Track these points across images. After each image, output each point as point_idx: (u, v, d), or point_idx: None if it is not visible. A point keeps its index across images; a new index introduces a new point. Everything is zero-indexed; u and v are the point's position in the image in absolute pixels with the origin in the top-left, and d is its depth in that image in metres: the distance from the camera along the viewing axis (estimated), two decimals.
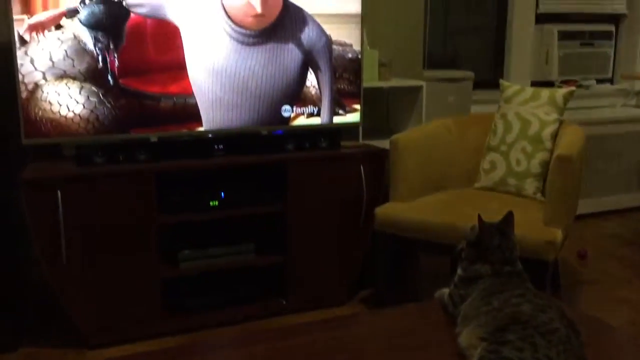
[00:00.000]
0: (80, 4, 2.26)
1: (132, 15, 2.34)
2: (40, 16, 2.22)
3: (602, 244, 3.53)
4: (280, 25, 2.54)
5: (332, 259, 2.71)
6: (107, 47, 2.31)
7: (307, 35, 2.60)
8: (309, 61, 2.62)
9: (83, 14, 2.27)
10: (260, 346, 1.46)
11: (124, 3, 2.32)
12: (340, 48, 2.69)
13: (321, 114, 2.71)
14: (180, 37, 2.42)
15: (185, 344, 2.25)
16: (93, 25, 2.28)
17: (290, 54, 2.58)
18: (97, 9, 2.28)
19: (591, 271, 3.14)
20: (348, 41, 2.70)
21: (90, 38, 2.28)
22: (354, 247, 2.74)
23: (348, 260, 2.75)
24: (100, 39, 2.29)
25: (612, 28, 4.37)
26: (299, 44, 2.59)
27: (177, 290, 2.58)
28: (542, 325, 1.26)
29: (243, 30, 2.47)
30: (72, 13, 2.26)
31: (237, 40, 2.47)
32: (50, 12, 2.23)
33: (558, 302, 1.41)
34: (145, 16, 2.36)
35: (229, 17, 2.45)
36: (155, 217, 2.38)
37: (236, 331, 2.50)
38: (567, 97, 2.70)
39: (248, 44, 2.50)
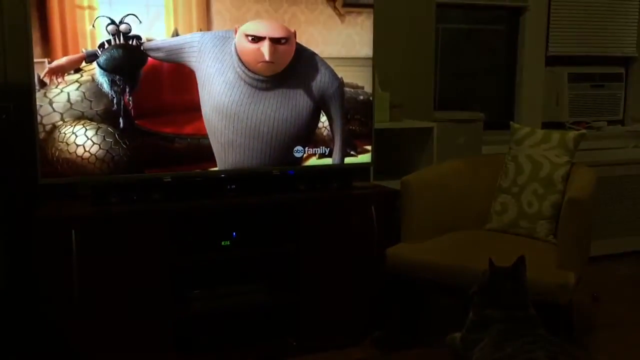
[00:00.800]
0: (99, 48, 2.33)
1: (149, 59, 2.39)
2: (60, 60, 2.28)
3: (616, 286, 3.49)
4: (292, 71, 2.59)
5: (344, 299, 2.70)
6: (124, 90, 2.36)
7: (319, 80, 2.64)
8: (321, 105, 2.66)
9: (102, 57, 2.33)
10: None
11: (142, 47, 2.38)
12: (352, 90, 2.74)
13: (333, 155, 2.73)
14: (196, 79, 2.47)
15: None
16: (111, 69, 2.34)
17: (302, 98, 2.62)
18: (116, 53, 2.34)
19: (605, 315, 3.09)
20: (360, 83, 2.75)
21: (107, 81, 2.34)
22: (366, 287, 2.73)
23: (360, 301, 2.73)
24: (118, 82, 2.35)
25: (622, 70, 4.40)
26: (311, 89, 2.63)
27: (189, 330, 2.57)
28: None
29: (255, 76, 2.52)
30: (91, 57, 2.32)
31: (251, 85, 2.52)
32: (70, 57, 2.30)
33: (571, 348, 1.40)
34: (161, 60, 2.42)
35: (242, 62, 2.50)
36: (167, 257, 2.39)
37: None
38: (578, 140, 2.72)
39: (261, 89, 2.54)
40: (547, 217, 2.63)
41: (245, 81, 2.51)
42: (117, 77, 2.35)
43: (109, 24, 2.32)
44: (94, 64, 2.32)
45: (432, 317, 2.94)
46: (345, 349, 2.67)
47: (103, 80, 2.34)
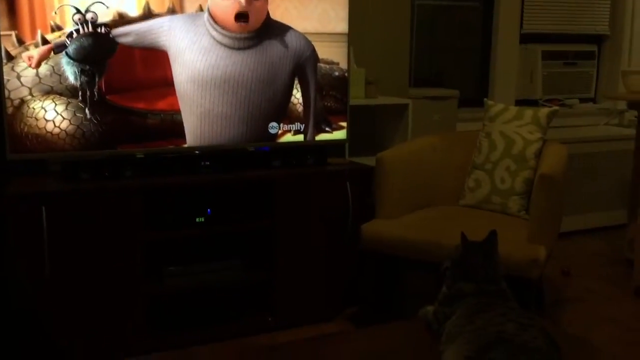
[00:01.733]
0: (67, 38, 2.27)
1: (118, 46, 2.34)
2: (29, 52, 2.23)
3: (585, 261, 3.56)
4: (268, 31, 2.56)
5: (319, 275, 2.72)
6: (92, 78, 2.31)
7: (295, 43, 2.61)
8: (297, 70, 2.63)
9: (71, 47, 2.27)
10: None
11: (110, 34, 2.32)
12: (327, 66, 2.72)
13: (307, 131, 2.72)
14: (168, 55, 2.43)
15: None
16: (81, 58, 2.28)
17: (279, 58, 2.59)
18: (85, 42, 2.29)
19: (574, 289, 3.16)
20: (335, 59, 2.73)
21: (75, 71, 2.28)
22: (341, 263, 2.75)
23: (335, 277, 2.75)
24: (86, 71, 2.30)
25: (595, 48, 4.45)
26: (287, 50, 2.60)
27: (163, 307, 2.56)
28: (524, 344, 1.27)
29: (230, 34, 2.48)
30: (59, 48, 2.26)
31: (227, 46, 2.48)
32: (40, 49, 2.24)
33: (541, 321, 1.42)
34: (131, 46, 2.36)
35: (215, 22, 2.46)
36: (140, 233, 2.37)
37: (222, 349, 2.49)
38: (550, 117, 2.74)
39: (237, 48, 2.51)
40: (519, 193, 2.66)
41: (221, 43, 2.47)
42: (87, 66, 2.29)
43: (75, 14, 2.26)
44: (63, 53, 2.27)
45: (407, 293, 2.97)
46: (320, 324, 2.69)
47: (70, 71, 2.28)
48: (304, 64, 2.65)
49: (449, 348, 1.38)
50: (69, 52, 2.27)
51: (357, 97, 3.03)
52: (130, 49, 2.37)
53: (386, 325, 1.71)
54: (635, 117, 3.53)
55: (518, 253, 2.25)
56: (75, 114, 2.32)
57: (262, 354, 1.56)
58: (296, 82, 2.66)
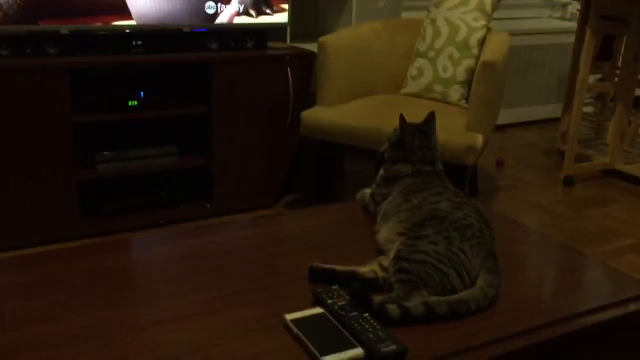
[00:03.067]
0: None
1: None
2: None
3: (520, 153, 3.66)
4: None
5: (257, 162, 2.68)
6: None
7: None
8: None
9: None
10: (183, 243, 1.44)
11: None
12: None
13: (247, 12, 2.59)
14: None
15: (100, 242, 2.19)
16: None
17: None
18: None
19: (508, 178, 3.26)
20: None
21: None
22: (280, 150, 2.72)
23: (274, 164, 2.73)
24: None
25: None
26: None
27: (96, 193, 2.49)
28: (457, 221, 1.29)
29: None
30: None
31: None
32: None
33: (473, 201, 1.44)
34: None
35: None
36: (69, 116, 2.26)
37: (157, 232, 2.47)
38: (495, 3, 2.70)
39: None
40: (461, 82, 2.65)
41: None
42: None
43: None
44: None
45: (346, 180, 3.00)
46: (257, 211, 2.70)
47: None
48: None
49: (384, 226, 1.39)
50: None
51: None
52: None
53: (322, 207, 1.71)
54: (578, 10, 3.52)
55: (456, 140, 2.27)
56: None
57: (201, 234, 1.54)
58: None
